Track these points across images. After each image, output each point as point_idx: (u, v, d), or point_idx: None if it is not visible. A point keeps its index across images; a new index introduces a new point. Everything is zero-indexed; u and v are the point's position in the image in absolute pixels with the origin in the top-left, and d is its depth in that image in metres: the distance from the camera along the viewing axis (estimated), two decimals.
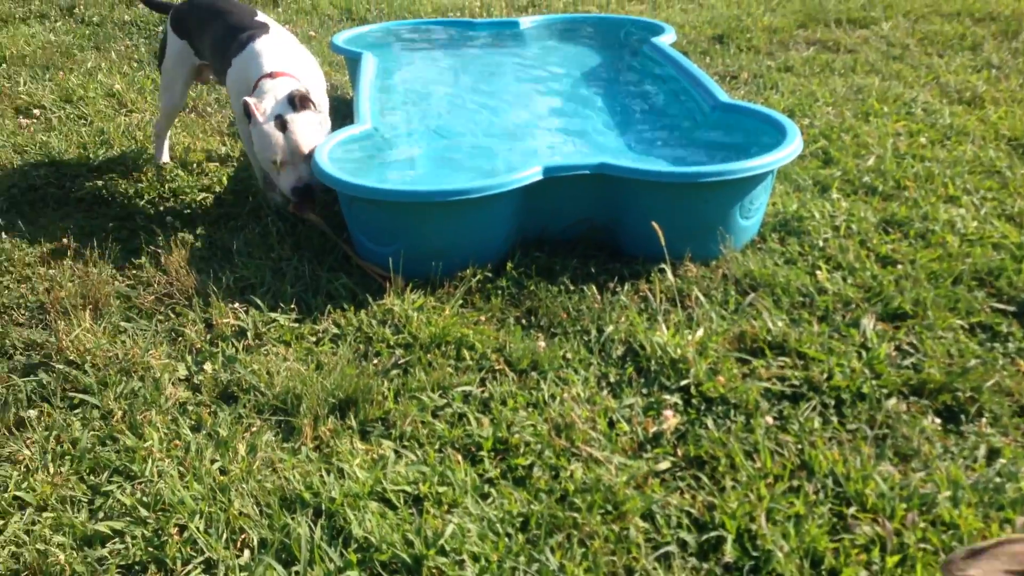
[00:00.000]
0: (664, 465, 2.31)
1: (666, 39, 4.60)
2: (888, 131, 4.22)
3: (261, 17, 3.64)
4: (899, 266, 3.12)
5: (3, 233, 3.47)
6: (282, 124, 3.22)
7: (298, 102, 3.24)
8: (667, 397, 2.54)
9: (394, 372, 2.66)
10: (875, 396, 2.52)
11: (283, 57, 3.43)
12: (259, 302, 2.97)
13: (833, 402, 2.52)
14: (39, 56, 5.45)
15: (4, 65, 5.33)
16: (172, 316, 2.95)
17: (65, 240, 3.37)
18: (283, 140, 3.21)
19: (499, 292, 3.04)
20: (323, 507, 2.16)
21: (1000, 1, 6.29)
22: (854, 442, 2.36)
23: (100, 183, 3.82)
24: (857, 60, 5.18)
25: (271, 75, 3.34)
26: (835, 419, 2.46)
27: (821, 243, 3.28)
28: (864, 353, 2.69)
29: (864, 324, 2.81)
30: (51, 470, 2.30)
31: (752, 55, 5.35)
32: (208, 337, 2.83)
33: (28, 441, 2.41)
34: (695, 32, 5.78)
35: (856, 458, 2.29)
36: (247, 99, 3.24)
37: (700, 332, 2.77)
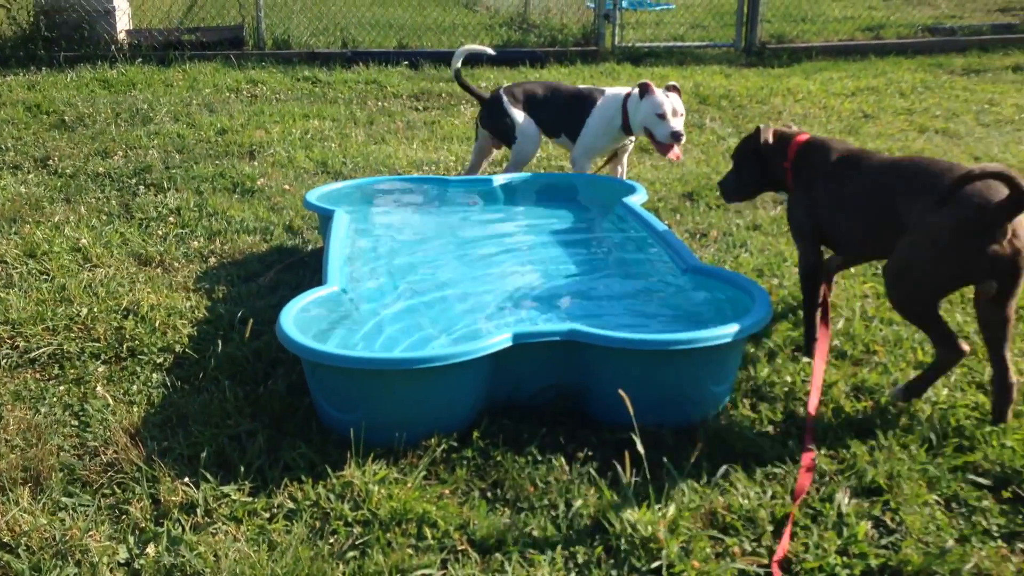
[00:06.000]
0: None
1: (637, 199, 4.64)
2: (856, 293, 4.23)
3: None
4: (872, 437, 3.05)
5: None
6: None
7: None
8: None
9: (350, 554, 2.52)
10: None
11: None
12: (210, 475, 2.83)
13: None
14: (7, 208, 5.41)
15: None
16: (117, 490, 2.80)
17: (11, 407, 3.25)
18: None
19: (464, 463, 2.93)
20: None
21: None
22: None
23: (56, 343, 3.72)
24: None
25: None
26: None
27: (793, 410, 3.22)
28: (844, 529, 2.59)
29: (838, 498, 2.72)
30: None
31: (721, 213, 5.41)
32: (154, 514, 2.68)
33: None
34: (666, 189, 5.86)
35: None
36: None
37: (672, 509, 2.66)
